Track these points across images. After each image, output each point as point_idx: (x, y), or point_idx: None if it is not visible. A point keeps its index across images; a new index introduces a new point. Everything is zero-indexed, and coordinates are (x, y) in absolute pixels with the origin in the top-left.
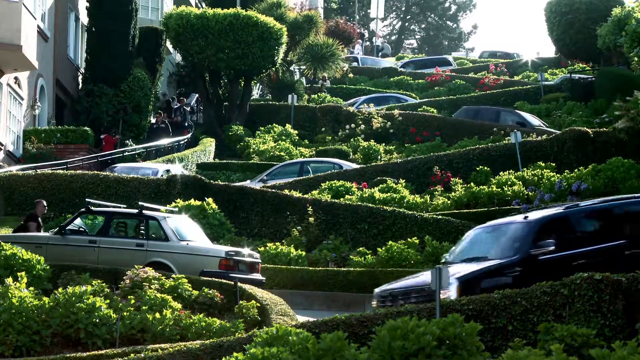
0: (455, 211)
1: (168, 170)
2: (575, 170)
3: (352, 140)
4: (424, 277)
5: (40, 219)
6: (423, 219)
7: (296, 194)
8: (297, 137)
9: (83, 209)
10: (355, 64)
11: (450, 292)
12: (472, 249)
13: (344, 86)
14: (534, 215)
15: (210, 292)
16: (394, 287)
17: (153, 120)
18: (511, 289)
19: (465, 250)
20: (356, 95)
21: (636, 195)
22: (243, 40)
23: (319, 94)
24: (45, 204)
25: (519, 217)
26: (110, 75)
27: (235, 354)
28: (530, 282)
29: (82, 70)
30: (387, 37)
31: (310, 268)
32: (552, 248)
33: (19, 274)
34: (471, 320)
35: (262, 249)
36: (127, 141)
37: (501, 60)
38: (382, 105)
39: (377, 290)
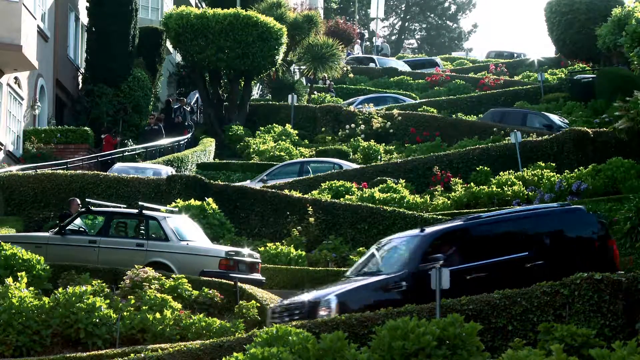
0: (455, 211)
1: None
2: (575, 170)
3: (352, 140)
4: (310, 294)
5: None
6: (423, 219)
7: (296, 194)
8: (297, 137)
9: (83, 209)
10: (372, 64)
11: (330, 310)
12: (371, 263)
13: (344, 86)
14: (431, 228)
15: (210, 292)
16: (283, 303)
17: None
18: (400, 305)
19: (364, 264)
20: (356, 95)
21: (543, 205)
22: (243, 40)
23: (321, 94)
24: (79, 202)
25: (416, 231)
26: (110, 75)
27: (235, 354)
28: (420, 297)
29: (82, 70)
30: (387, 37)
31: (310, 268)
32: (443, 262)
33: (19, 274)
34: (471, 320)
35: (262, 249)
36: (127, 141)
37: (507, 60)
38: (381, 106)
39: (271, 305)
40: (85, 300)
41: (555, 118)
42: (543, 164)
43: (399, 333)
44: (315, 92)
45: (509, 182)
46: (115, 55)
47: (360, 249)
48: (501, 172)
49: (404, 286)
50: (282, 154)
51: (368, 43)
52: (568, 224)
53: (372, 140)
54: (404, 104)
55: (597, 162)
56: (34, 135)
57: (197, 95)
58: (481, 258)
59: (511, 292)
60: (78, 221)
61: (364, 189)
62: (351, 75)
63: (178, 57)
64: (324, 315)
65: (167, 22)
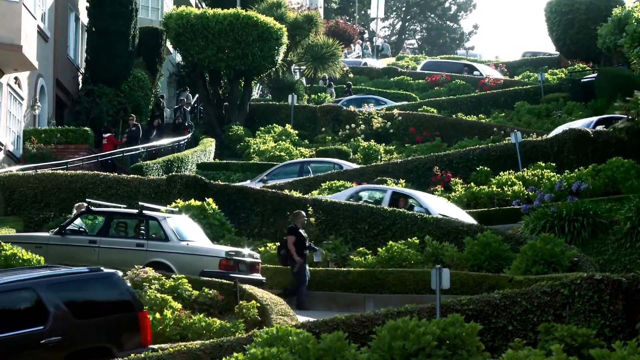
0: None
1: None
2: (575, 170)
3: (352, 140)
4: None
5: (302, 231)
6: (423, 219)
7: (296, 194)
8: (297, 137)
9: (83, 209)
10: (476, 73)
11: None
12: None
13: (344, 86)
14: None
15: (211, 292)
16: None
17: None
18: None
19: None
20: (356, 95)
21: (69, 270)
22: (243, 40)
23: (321, 93)
24: (305, 215)
25: None
26: (110, 75)
27: (235, 354)
28: None
29: (82, 70)
30: (387, 37)
31: (310, 268)
32: None
33: None
34: (471, 320)
35: (262, 249)
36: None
37: (541, 57)
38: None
39: None
40: None
41: None
42: (543, 164)
43: (399, 333)
44: (343, 98)
45: (509, 182)
46: (115, 55)
47: (360, 249)
48: (501, 172)
49: None
50: (282, 154)
51: (368, 43)
52: (94, 292)
53: (372, 140)
54: (405, 103)
55: (597, 162)
56: (34, 135)
57: (187, 93)
58: None
59: (511, 292)
60: (78, 221)
61: None
62: (351, 75)
63: (178, 57)
64: None
65: (167, 22)
